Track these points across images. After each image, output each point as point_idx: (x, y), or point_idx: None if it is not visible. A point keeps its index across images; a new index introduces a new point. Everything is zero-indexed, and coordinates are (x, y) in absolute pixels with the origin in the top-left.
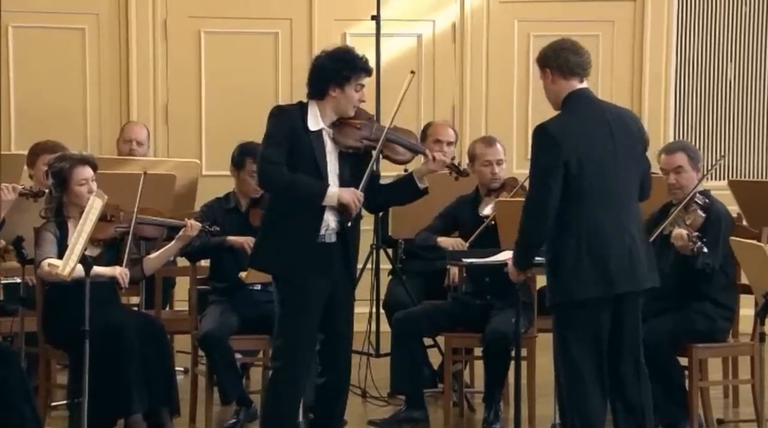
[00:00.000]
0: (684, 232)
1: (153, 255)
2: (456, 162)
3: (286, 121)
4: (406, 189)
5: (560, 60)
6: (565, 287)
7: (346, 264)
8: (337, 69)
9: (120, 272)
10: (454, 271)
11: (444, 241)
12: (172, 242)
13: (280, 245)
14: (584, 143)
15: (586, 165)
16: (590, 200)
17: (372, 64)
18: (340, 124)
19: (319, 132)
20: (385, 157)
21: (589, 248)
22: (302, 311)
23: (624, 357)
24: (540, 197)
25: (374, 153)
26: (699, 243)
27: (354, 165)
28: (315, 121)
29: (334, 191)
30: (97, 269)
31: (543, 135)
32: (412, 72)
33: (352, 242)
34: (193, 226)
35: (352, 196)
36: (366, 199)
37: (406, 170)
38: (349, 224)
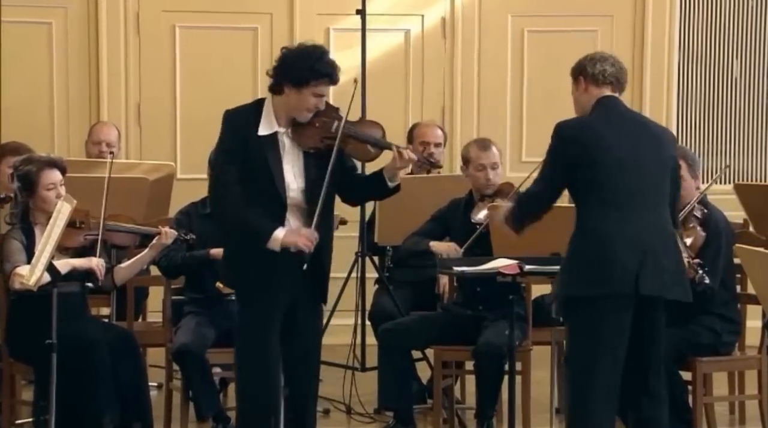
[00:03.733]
0: (685, 259)
1: (124, 264)
2: (427, 154)
3: (235, 128)
4: (377, 186)
5: (596, 68)
6: (567, 282)
7: (312, 274)
8: (297, 68)
9: (96, 263)
10: (443, 280)
11: (437, 246)
12: (145, 251)
13: (240, 255)
14: (601, 145)
15: (600, 167)
16: (600, 202)
17: (357, 61)
18: (298, 123)
19: (272, 136)
20: (348, 154)
21: (595, 247)
22: (262, 324)
23: (649, 371)
24: (540, 185)
25: (333, 151)
26: (701, 272)
27: (320, 164)
28: (268, 123)
29: (277, 235)
30: (71, 261)
31: (557, 133)
32: (356, 81)
33: (322, 251)
34: (168, 234)
35: (294, 238)
36: (343, 191)
37: None
38: (305, 266)
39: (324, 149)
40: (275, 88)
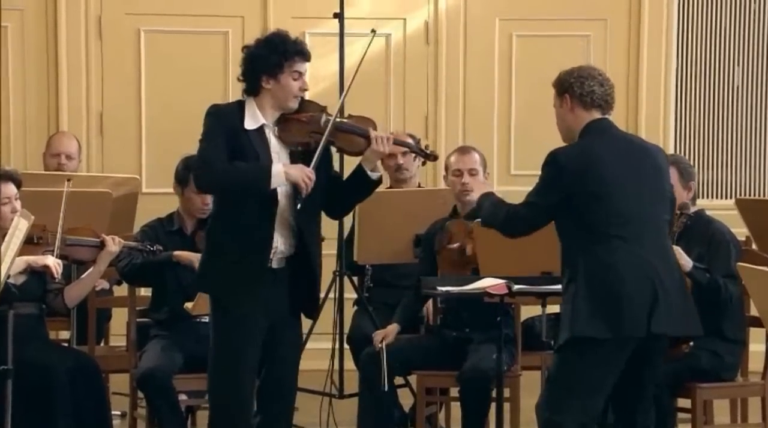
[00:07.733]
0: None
1: (73, 284)
2: (422, 145)
3: (223, 119)
4: (359, 183)
5: (584, 89)
6: (572, 323)
7: (300, 293)
8: (265, 56)
9: (53, 261)
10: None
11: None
12: (93, 266)
13: (223, 266)
14: (604, 175)
15: (604, 198)
16: (604, 235)
17: (335, 67)
18: (284, 120)
19: (260, 129)
20: (339, 149)
21: (603, 285)
22: (240, 344)
23: (639, 406)
24: (532, 210)
25: (321, 144)
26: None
27: (307, 163)
28: (253, 118)
29: (279, 168)
30: (24, 258)
31: (553, 163)
32: (373, 31)
33: (310, 268)
34: (113, 241)
35: (301, 173)
36: (330, 201)
37: None
38: (299, 206)
39: (313, 144)
40: (252, 89)
